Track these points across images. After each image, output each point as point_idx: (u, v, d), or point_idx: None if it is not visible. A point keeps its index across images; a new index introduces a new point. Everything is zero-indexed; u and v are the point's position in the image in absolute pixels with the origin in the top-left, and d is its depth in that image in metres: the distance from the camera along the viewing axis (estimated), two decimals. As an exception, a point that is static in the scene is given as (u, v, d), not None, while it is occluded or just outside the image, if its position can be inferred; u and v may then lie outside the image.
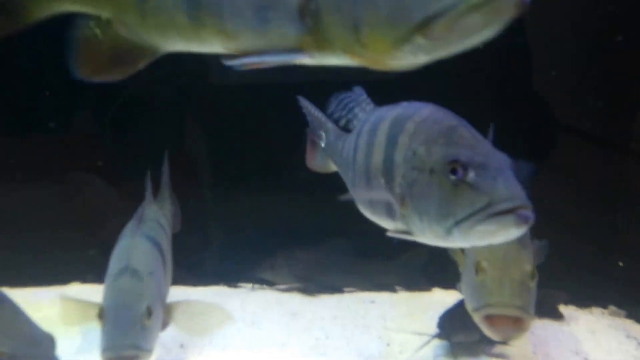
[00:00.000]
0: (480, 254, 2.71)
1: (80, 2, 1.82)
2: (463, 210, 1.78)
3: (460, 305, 3.01)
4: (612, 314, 3.94)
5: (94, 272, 3.83)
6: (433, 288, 4.18)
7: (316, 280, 4.14)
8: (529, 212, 1.75)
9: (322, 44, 1.54)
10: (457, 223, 1.80)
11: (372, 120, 2.21)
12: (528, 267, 2.66)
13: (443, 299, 3.87)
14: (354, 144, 2.26)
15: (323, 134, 2.62)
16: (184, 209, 3.64)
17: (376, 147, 2.06)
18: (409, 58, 1.48)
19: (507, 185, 1.76)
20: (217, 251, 4.26)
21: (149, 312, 2.58)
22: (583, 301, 3.98)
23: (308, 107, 2.73)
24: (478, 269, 2.67)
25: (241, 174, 4.09)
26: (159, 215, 3.29)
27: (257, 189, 4.09)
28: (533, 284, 2.67)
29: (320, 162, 2.73)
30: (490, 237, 1.81)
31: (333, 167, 2.69)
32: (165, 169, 3.54)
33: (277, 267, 4.14)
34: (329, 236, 4.14)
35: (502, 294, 2.59)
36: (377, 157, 2.05)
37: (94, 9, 1.83)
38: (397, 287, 4.19)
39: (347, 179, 2.42)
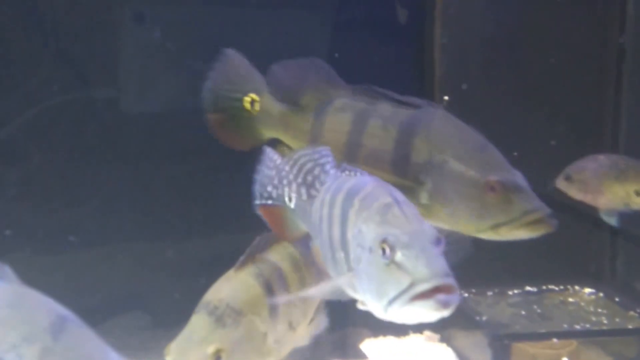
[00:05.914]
0: None
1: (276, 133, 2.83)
2: (393, 290, 1.80)
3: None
4: (428, 339, 4.29)
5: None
6: None
7: None
8: (449, 296, 1.75)
9: None
10: (390, 302, 1.81)
11: (333, 188, 2.16)
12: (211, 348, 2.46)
13: None
14: (319, 213, 2.18)
15: (292, 194, 2.37)
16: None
17: (334, 220, 2.07)
18: None
19: (429, 264, 1.77)
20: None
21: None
22: (402, 328, 4.18)
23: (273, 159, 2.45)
24: None
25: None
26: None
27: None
28: None
29: (294, 227, 2.40)
30: (420, 317, 1.83)
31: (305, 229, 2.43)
32: None
33: None
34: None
35: None
36: (336, 231, 2.06)
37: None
38: None
39: (320, 247, 2.26)
